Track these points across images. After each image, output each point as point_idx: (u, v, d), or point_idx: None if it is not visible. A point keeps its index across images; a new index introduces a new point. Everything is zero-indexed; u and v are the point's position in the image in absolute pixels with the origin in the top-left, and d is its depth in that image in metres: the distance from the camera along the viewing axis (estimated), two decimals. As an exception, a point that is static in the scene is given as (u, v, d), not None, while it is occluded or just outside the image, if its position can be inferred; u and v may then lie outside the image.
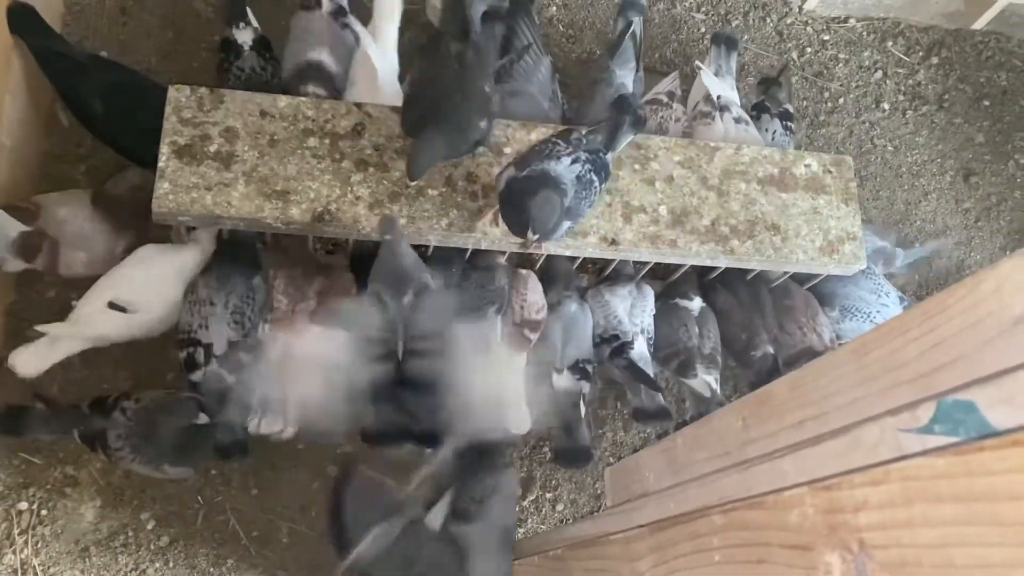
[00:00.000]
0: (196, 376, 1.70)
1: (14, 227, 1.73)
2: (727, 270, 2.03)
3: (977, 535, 0.51)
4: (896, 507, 0.58)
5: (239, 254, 1.82)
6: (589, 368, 1.93)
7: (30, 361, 1.69)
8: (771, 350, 2.00)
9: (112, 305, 1.69)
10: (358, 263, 1.88)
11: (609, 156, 1.77)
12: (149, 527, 1.84)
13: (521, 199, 1.60)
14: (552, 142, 1.70)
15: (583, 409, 1.91)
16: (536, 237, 1.62)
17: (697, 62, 2.23)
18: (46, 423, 1.67)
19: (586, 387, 1.92)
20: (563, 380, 1.91)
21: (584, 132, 1.74)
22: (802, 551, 0.68)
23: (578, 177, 1.68)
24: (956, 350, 0.64)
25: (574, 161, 1.68)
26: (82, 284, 1.76)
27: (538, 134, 1.86)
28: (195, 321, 1.72)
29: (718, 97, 2.11)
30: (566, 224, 1.70)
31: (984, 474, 0.51)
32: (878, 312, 2.08)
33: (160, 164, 1.69)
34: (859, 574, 0.60)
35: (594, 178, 1.71)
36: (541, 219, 1.59)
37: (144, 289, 1.73)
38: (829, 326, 2.06)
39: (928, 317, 0.68)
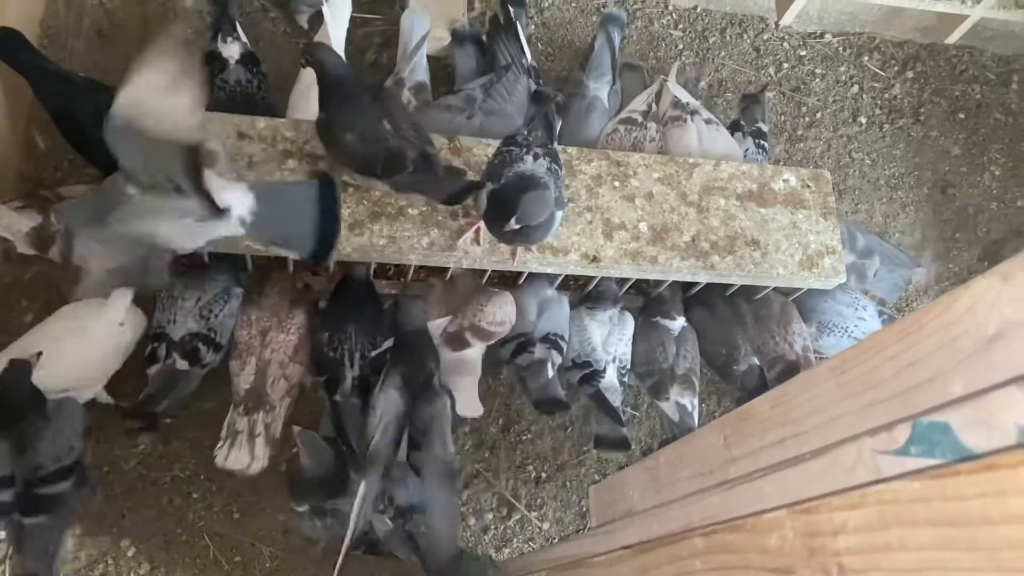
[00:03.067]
0: (152, 370, 1.73)
1: (25, 221, 1.73)
2: (707, 285, 2.03)
3: (953, 560, 0.51)
4: (874, 531, 0.58)
5: (224, 265, 1.84)
6: (560, 342, 1.94)
7: None
8: (756, 362, 2.00)
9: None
10: (339, 286, 1.89)
11: (555, 146, 1.78)
12: (129, 554, 1.81)
13: (512, 198, 1.59)
14: (506, 150, 1.71)
15: (551, 372, 1.92)
16: (526, 235, 1.64)
17: (662, 76, 2.25)
18: None
19: (555, 355, 1.93)
20: (537, 351, 1.92)
21: (524, 132, 1.75)
22: (781, 574, 0.68)
23: (548, 170, 1.69)
24: (932, 369, 0.64)
25: (536, 157, 1.69)
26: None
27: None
28: (165, 317, 1.76)
29: (687, 103, 2.13)
30: (559, 213, 1.70)
31: (959, 499, 0.51)
32: (855, 326, 2.08)
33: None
34: None
35: (558, 168, 1.73)
36: (531, 211, 1.59)
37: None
38: (803, 335, 2.05)
39: (905, 335, 0.68)
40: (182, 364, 1.72)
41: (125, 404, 1.76)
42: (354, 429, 1.77)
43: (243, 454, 1.71)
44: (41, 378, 1.58)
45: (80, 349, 1.71)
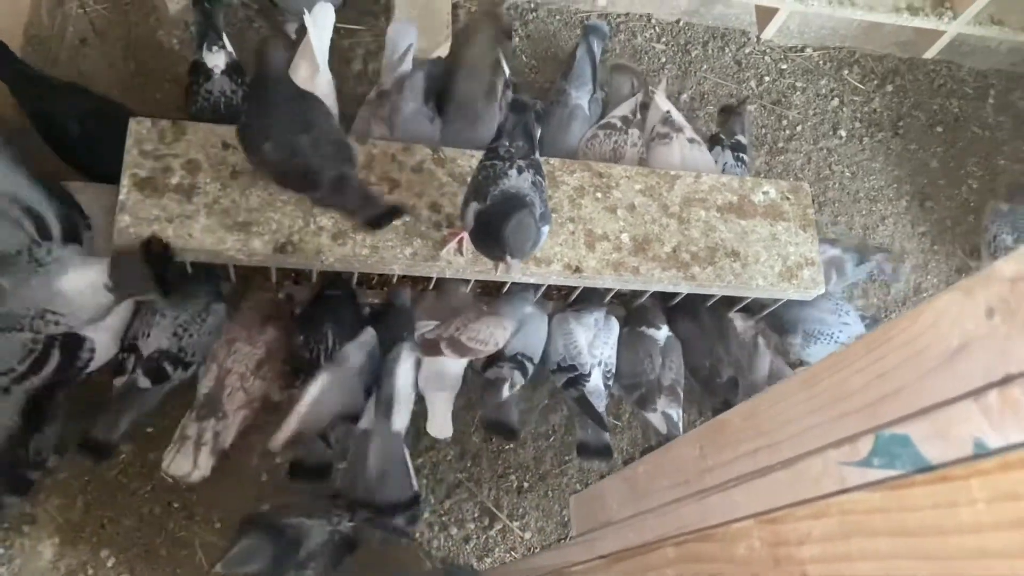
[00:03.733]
0: (117, 381, 1.72)
1: None
2: (688, 296, 2.04)
3: (910, 568, 0.52)
4: (836, 540, 0.59)
5: (206, 281, 1.83)
6: (527, 364, 1.94)
7: None
8: (733, 373, 2.02)
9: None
10: (321, 294, 1.90)
11: (538, 156, 1.77)
12: (109, 564, 1.80)
13: (497, 227, 1.59)
14: (489, 164, 1.70)
15: (506, 392, 1.92)
16: (517, 261, 1.62)
17: (651, 87, 2.27)
18: None
19: (518, 377, 1.93)
20: (501, 369, 1.93)
21: (506, 144, 1.73)
22: None
23: (532, 184, 1.68)
24: (898, 381, 0.65)
25: (520, 171, 1.68)
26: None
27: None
28: (140, 329, 1.74)
29: (675, 121, 2.15)
30: (545, 228, 1.70)
31: (914, 509, 0.51)
32: (840, 331, 2.10)
33: (120, 197, 1.68)
34: None
35: (541, 179, 1.72)
36: (518, 243, 1.59)
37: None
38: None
39: (873, 348, 0.69)
40: (144, 382, 1.71)
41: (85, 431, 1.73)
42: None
43: (186, 461, 1.71)
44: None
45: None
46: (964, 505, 0.48)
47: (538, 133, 1.79)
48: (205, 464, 1.72)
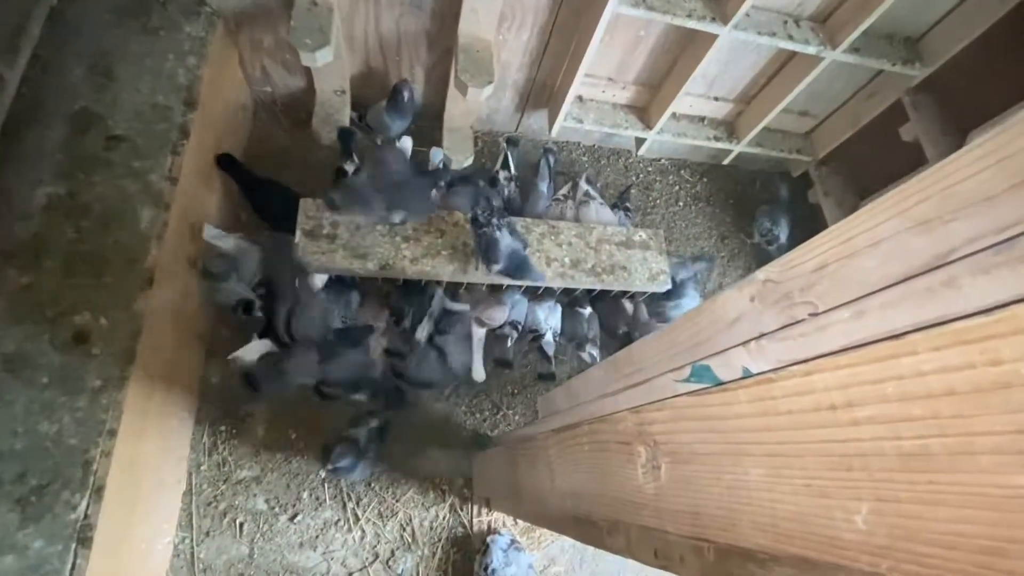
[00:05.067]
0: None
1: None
2: (601, 291, 2.03)
3: (706, 438, 0.52)
4: (670, 423, 0.59)
5: (344, 282, 1.81)
6: (518, 326, 1.89)
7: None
8: (627, 330, 2.02)
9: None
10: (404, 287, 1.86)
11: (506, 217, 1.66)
12: (293, 436, 1.79)
13: (522, 269, 1.58)
14: (482, 232, 1.58)
15: (509, 343, 1.86)
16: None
17: (576, 178, 2.26)
18: None
19: (514, 334, 1.87)
20: (504, 330, 1.89)
21: (478, 211, 1.60)
22: (626, 445, 0.70)
23: (513, 233, 1.62)
24: (705, 335, 0.65)
25: (511, 232, 1.63)
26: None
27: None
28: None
29: (592, 194, 2.14)
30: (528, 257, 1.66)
31: (710, 406, 0.52)
32: (691, 300, 2.10)
33: (296, 240, 1.68)
34: (653, 456, 0.61)
35: (515, 229, 1.65)
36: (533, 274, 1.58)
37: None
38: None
39: (692, 318, 0.69)
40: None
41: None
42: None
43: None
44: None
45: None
46: (735, 404, 0.49)
47: (498, 202, 1.74)
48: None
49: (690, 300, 2.10)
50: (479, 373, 1.83)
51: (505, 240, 1.64)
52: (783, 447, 0.45)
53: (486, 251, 1.62)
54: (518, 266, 1.64)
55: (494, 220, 1.62)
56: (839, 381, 0.41)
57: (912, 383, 0.35)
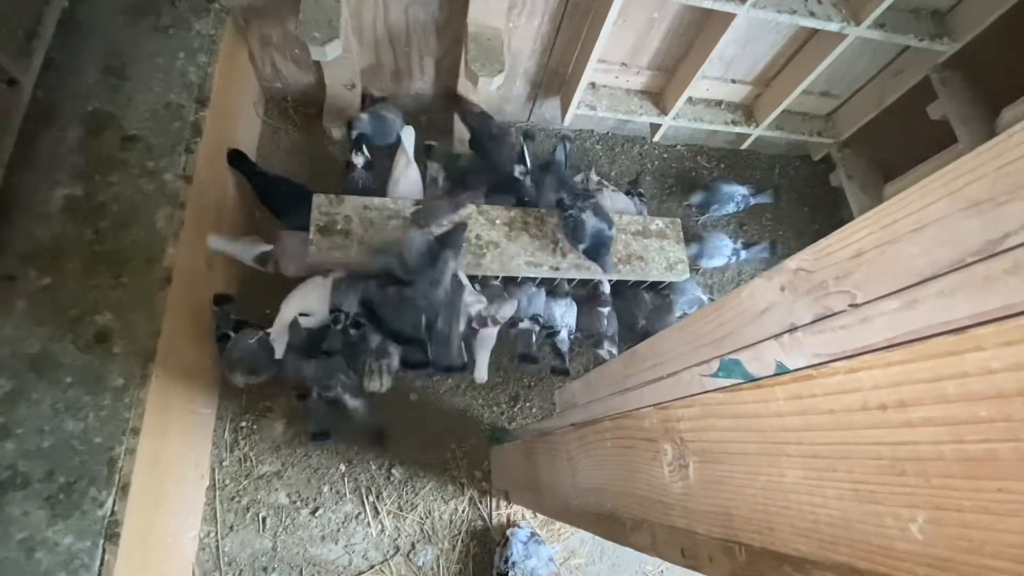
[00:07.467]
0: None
1: (259, 247, 1.68)
2: (618, 281, 1.99)
3: (738, 436, 0.50)
4: (698, 419, 0.57)
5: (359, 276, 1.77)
6: (539, 319, 1.84)
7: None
8: (645, 324, 1.98)
9: (300, 315, 1.62)
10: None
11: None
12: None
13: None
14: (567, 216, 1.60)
15: (533, 337, 1.82)
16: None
17: (586, 171, 2.22)
18: None
19: (536, 327, 1.83)
20: (525, 324, 1.83)
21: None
22: (651, 442, 0.68)
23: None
24: (731, 328, 0.63)
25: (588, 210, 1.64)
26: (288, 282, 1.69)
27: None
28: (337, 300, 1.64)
29: (603, 183, 2.11)
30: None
31: (742, 403, 0.50)
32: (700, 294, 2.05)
33: (311, 236, 1.68)
34: (680, 454, 0.59)
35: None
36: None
37: (315, 303, 1.67)
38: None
39: (718, 309, 0.67)
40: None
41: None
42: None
43: (376, 383, 1.57)
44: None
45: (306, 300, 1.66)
46: (771, 401, 0.47)
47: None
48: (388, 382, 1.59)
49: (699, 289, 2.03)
50: (482, 374, 1.72)
51: (591, 220, 1.63)
52: (826, 448, 0.42)
53: (573, 231, 1.66)
54: (600, 245, 1.61)
55: (579, 203, 1.65)
56: (889, 379, 0.38)
57: (978, 382, 0.32)
